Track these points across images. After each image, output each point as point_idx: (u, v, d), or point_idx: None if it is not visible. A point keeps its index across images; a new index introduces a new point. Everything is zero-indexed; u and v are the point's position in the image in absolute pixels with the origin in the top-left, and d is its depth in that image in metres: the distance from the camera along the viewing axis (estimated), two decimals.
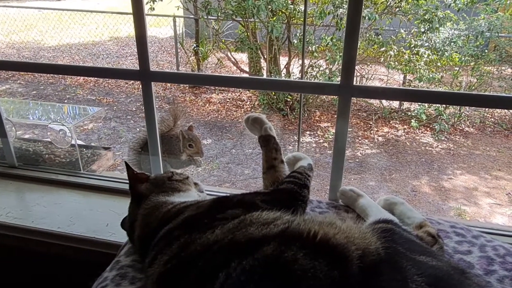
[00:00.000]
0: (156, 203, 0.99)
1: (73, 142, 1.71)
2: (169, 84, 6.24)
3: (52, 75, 6.70)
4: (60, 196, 1.51)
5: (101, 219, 1.37)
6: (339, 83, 1.13)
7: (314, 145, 4.79)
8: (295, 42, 5.26)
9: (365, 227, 0.83)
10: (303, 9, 5.16)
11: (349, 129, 1.24)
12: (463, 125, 5.24)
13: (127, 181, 1.55)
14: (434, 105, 5.12)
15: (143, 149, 1.80)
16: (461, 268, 0.76)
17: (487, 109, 5.32)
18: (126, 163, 1.06)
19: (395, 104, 5.62)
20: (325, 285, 0.63)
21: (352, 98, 1.14)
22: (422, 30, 4.88)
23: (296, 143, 4.83)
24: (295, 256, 0.66)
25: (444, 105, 5.07)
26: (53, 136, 1.69)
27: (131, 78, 1.43)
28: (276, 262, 0.67)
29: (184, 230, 0.83)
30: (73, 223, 1.35)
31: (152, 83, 1.34)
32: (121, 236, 1.28)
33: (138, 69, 1.32)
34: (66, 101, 5.86)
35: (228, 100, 5.97)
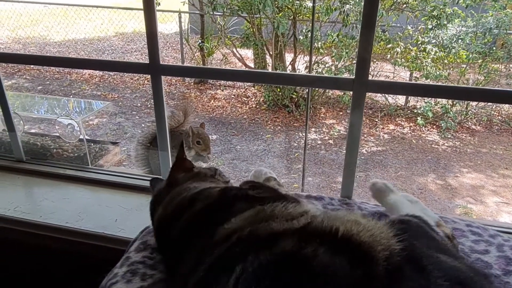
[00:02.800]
0: (183, 188, 0.98)
1: (81, 136, 1.70)
2: (174, 80, 6.23)
3: (57, 70, 6.71)
4: (68, 191, 1.50)
5: (110, 214, 1.36)
6: (353, 77, 1.11)
7: (319, 142, 4.77)
8: (301, 38, 5.22)
9: (388, 221, 0.81)
10: (309, 5, 5.12)
11: None
12: (469, 123, 5.20)
13: (136, 177, 1.56)
14: (440, 102, 5.08)
15: (152, 144, 1.79)
16: (482, 272, 0.73)
17: (494, 107, 5.27)
18: (181, 143, 1.04)
19: (401, 101, 5.58)
20: (346, 283, 0.60)
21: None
22: (430, 26, 4.84)
23: (301, 140, 4.81)
24: (315, 253, 0.64)
25: (450, 103, 5.03)
26: (61, 130, 1.68)
27: (141, 71, 1.42)
28: (294, 258, 0.65)
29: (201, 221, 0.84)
30: (81, 218, 1.34)
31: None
32: (130, 232, 1.27)
33: (148, 62, 1.30)
34: (71, 96, 5.86)
35: (233, 96, 5.95)
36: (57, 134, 1.75)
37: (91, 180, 1.53)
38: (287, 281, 0.63)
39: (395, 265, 0.64)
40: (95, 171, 1.57)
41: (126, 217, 1.35)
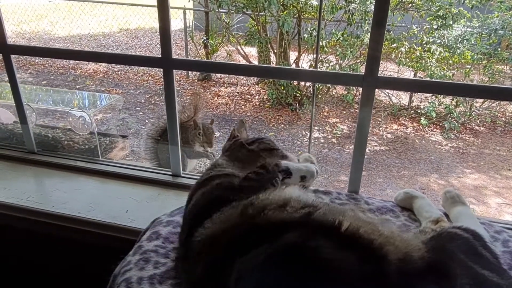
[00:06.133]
0: None
1: (92, 129, 1.72)
2: (178, 77, 6.24)
3: (62, 65, 6.74)
4: (79, 182, 1.53)
5: (121, 205, 1.38)
6: (363, 74, 1.13)
7: (322, 140, 4.79)
8: (306, 36, 5.23)
9: (436, 232, 0.82)
10: (314, 3, 5.13)
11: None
12: (473, 124, 5.20)
13: (146, 169, 1.58)
14: (444, 103, 5.08)
15: (162, 137, 1.81)
16: None
17: (498, 108, 5.27)
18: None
19: (405, 101, 5.59)
20: (355, 278, 0.60)
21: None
22: (435, 26, 4.84)
23: (304, 138, 4.82)
24: (319, 244, 0.64)
25: (454, 104, 5.04)
26: (74, 123, 1.71)
27: (153, 65, 1.44)
28: (299, 249, 0.65)
29: None
30: (93, 209, 1.37)
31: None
32: (141, 223, 1.29)
33: (160, 56, 1.33)
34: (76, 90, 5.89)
35: (236, 94, 5.96)
36: (68, 127, 1.77)
37: (102, 172, 1.55)
38: (295, 271, 0.62)
39: (413, 267, 0.64)
40: (105, 163, 1.59)
41: (137, 208, 1.37)
